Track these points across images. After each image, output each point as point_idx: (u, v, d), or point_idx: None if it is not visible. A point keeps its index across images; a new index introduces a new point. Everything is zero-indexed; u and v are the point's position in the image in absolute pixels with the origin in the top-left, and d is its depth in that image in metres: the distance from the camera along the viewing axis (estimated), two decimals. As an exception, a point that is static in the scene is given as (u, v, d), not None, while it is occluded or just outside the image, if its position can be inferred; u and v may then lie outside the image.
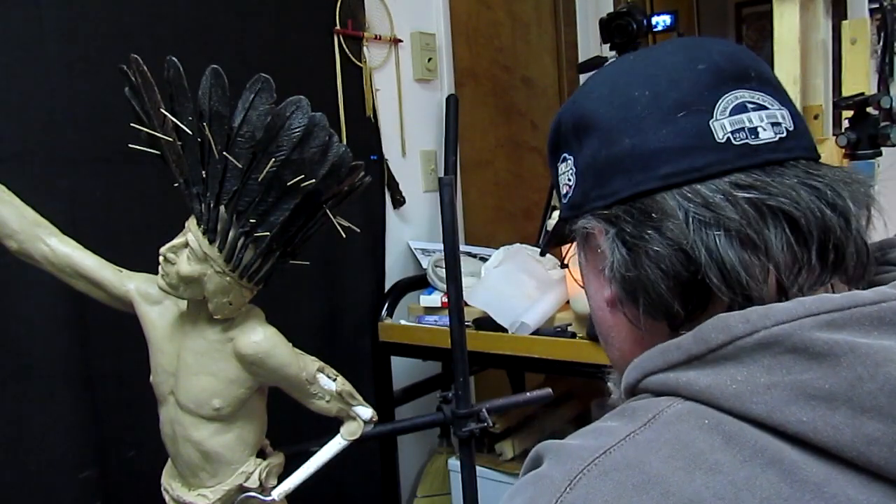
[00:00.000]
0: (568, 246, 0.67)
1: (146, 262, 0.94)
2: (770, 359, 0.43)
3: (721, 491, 0.40)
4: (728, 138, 0.49)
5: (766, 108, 0.51)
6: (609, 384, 0.66)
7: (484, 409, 1.18)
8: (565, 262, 0.70)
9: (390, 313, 1.82)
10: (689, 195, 0.49)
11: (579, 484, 0.43)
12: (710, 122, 0.50)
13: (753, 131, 0.50)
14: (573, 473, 0.43)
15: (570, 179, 0.57)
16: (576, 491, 0.42)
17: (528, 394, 1.29)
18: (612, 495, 0.41)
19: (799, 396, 0.42)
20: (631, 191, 0.51)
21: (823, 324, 0.43)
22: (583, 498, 0.42)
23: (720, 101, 0.50)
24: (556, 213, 1.49)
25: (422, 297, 1.80)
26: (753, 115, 0.50)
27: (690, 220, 0.48)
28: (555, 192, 0.64)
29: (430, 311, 1.76)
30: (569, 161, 0.57)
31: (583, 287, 0.62)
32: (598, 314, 0.59)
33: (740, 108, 0.50)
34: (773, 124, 0.50)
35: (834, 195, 0.49)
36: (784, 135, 0.50)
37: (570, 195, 0.57)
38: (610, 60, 0.63)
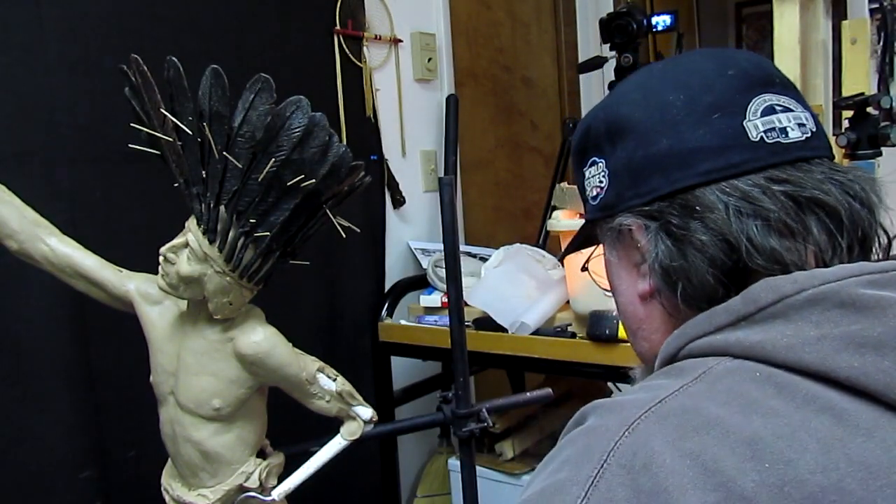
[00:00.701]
0: (591, 249, 0.71)
1: (146, 262, 0.94)
2: (818, 314, 0.46)
3: (779, 430, 0.42)
4: (761, 137, 0.53)
5: (791, 110, 0.55)
6: (633, 378, 0.68)
7: (484, 409, 1.18)
8: (587, 265, 0.72)
9: (390, 313, 1.82)
10: (728, 189, 0.52)
11: (637, 429, 0.44)
12: (744, 122, 0.54)
13: (783, 131, 0.54)
14: (630, 420, 0.44)
15: (601, 182, 0.60)
16: (634, 435, 0.43)
17: (528, 394, 1.29)
18: (674, 436, 0.43)
19: (849, 345, 0.44)
20: (670, 187, 0.54)
21: (866, 283, 0.47)
22: (642, 440, 0.43)
23: (751, 103, 0.54)
24: (556, 213, 1.49)
25: (422, 297, 1.80)
26: (782, 117, 0.54)
27: (731, 211, 0.52)
28: (569, 196, 0.67)
29: (430, 311, 1.76)
30: (599, 164, 0.60)
31: (606, 289, 0.66)
32: (628, 309, 0.62)
33: (770, 110, 0.54)
34: (798, 125, 0.55)
35: (860, 189, 0.53)
36: (809, 135, 0.55)
37: (601, 197, 0.60)
38: (634, 72, 0.66)
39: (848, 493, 0.40)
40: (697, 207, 0.53)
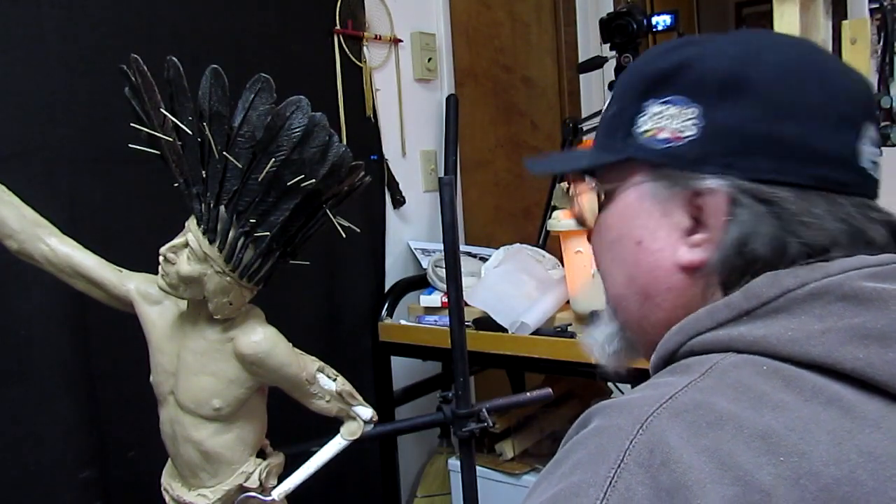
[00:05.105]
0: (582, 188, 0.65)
1: (146, 262, 0.94)
2: (821, 308, 0.47)
3: (790, 424, 0.42)
4: (865, 165, 0.53)
5: (876, 148, 0.54)
6: (595, 318, 0.66)
7: (484, 409, 1.18)
8: (602, 200, 0.63)
9: (390, 313, 1.82)
10: (840, 202, 0.51)
11: (651, 426, 0.43)
12: (860, 144, 0.53)
13: (875, 165, 0.54)
14: (642, 418, 0.44)
15: (681, 128, 0.53)
16: (648, 432, 0.43)
17: (528, 394, 1.29)
18: (688, 432, 0.42)
19: (853, 337, 0.45)
20: (776, 176, 0.51)
21: (867, 276, 0.47)
22: (658, 437, 0.42)
23: (866, 129, 0.53)
24: (556, 213, 1.49)
25: (422, 297, 1.80)
26: (875, 150, 0.54)
27: (832, 224, 0.50)
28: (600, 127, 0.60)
29: (430, 311, 1.76)
30: (689, 110, 0.53)
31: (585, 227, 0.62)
32: (653, 272, 0.56)
33: (873, 141, 0.54)
34: (874, 163, 0.54)
35: None
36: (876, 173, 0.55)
37: (675, 145, 0.54)
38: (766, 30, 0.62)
39: (860, 484, 0.40)
40: (811, 209, 0.50)
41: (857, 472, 0.40)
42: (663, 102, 0.55)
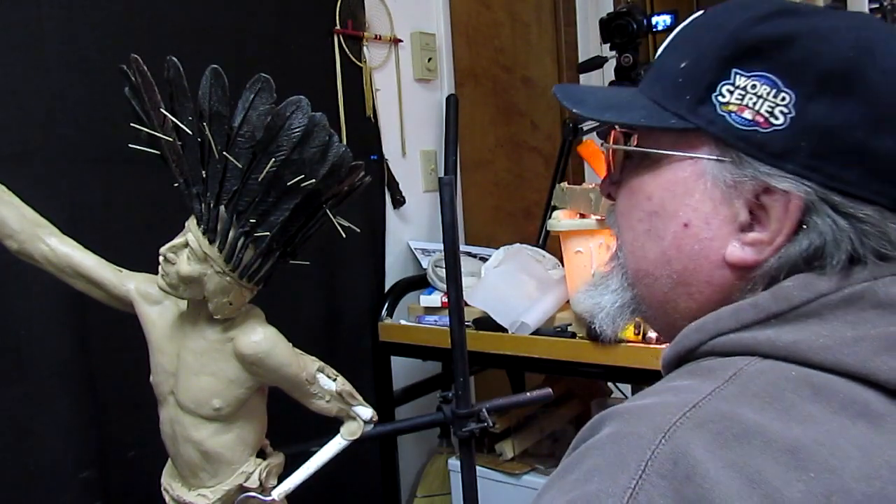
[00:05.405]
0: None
1: (146, 262, 0.94)
2: (854, 315, 0.44)
3: (820, 438, 0.40)
4: None
5: None
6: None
7: (484, 409, 1.18)
8: (639, 160, 0.55)
9: (390, 313, 1.82)
10: None
11: (674, 436, 0.40)
12: None
13: None
14: (664, 426, 0.41)
15: (770, 112, 0.47)
16: (672, 442, 0.40)
17: (528, 394, 1.29)
18: (714, 444, 0.40)
19: (888, 347, 0.43)
20: (861, 191, 0.46)
21: None
22: (682, 448, 0.40)
23: None
24: (556, 213, 1.49)
25: (422, 297, 1.80)
26: None
27: None
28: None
29: (430, 311, 1.76)
30: (784, 94, 0.46)
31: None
32: (696, 261, 0.51)
33: None
34: None
35: None
36: None
37: (760, 130, 0.47)
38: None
39: (891, 502, 0.39)
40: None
41: (889, 489, 0.39)
42: (753, 76, 0.47)
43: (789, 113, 0.46)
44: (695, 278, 0.52)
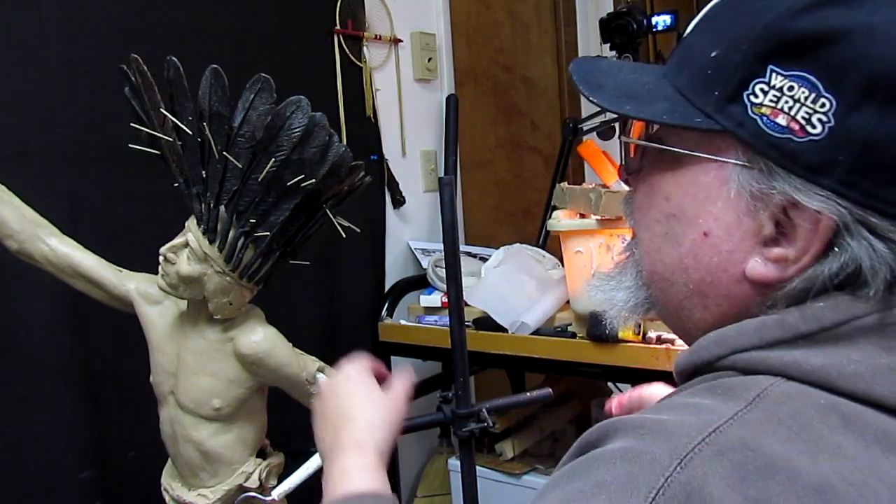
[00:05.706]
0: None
1: (146, 262, 0.94)
2: (890, 340, 0.42)
3: (850, 477, 0.37)
4: None
5: None
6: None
7: (484, 409, 1.18)
8: (658, 157, 0.51)
9: (390, 313, 1.82)
10: None
11: (691, 464, 0.37)
12: None
13: None
14: (681, 451, 0.38)
15: (807, 118, 0.42)
16: (688, 471, 0.37)
17: (528, 394, 1.29)
18: (734, 478, 0.37)
19: None
20: None
21: None
22: (699, 479, 0.37)
23: None
24: (556, 213, 1.49)
25: (422, 297, 1.80)
26: None
27: None
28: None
29: (430, 311, 1.76)
30: (826, 101, 0.41)
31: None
32: (714, 273, 0.48)
33: None
34: None
35: None
36: None
37: (796, 139, 0.42)
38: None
39: None
40: None
41: None
42: (792, 76, 0.42)
43: (828, 122, 0.41)
44: (712, 290, 0.48)
